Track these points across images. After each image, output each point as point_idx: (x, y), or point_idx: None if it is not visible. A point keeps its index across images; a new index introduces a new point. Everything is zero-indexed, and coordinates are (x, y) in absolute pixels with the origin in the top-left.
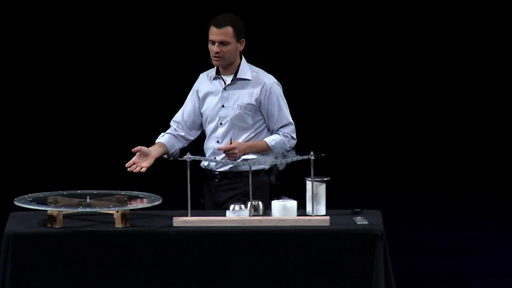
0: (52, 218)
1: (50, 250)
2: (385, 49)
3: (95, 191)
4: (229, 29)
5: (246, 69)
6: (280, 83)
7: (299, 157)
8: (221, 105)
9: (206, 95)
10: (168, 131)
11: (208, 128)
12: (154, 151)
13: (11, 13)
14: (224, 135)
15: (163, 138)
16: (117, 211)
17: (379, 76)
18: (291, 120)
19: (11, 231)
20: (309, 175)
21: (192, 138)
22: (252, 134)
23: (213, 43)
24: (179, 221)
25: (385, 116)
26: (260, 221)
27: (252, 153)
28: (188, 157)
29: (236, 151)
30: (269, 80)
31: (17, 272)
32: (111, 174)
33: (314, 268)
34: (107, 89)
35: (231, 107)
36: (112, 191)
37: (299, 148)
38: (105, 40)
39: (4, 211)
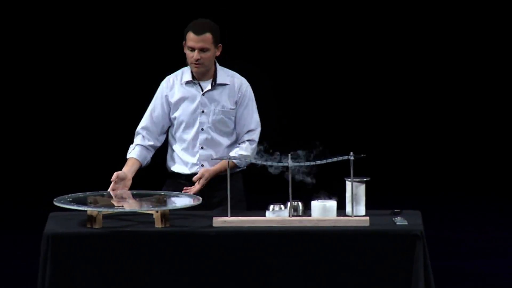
0: (91, 219)
1: (89, 250)
2: (428, 51)
3: (134, 191)
4: (208, 36)
5: (223, 74)
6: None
7: (338, 158)
8: (201, 110)
9: (180, 101)
10: (137, 142)
11: (185, 134)
12: (129, 172)
13: (11, 13)
14: (208, 141)
15: (134, 152)
16: (157, 211)
17: (418, 78)
18: (259, 122)
19: (51, 232)
20: (348, 176)
21: (159, 144)
22: (234, 138)
23: (193, 50)
24: (219, 221)
25: (424, 116)
26: (300, 221)
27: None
28: (227, 157)
29: (205, 178)
30: (244, 82)
31: (57, 273)
32: (149, 174)
33: (353, 268)
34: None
35: (212, 112)
36: (152, 191)
37: (338, 148)
38: (112, 40)
39: (43, 212)
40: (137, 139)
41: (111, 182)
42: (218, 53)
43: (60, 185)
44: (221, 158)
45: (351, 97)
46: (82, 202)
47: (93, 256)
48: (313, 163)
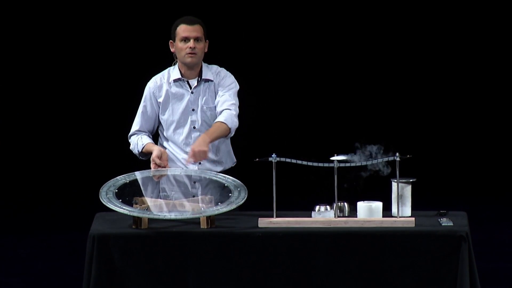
0: (137, 219)
1: (134, 251)
2: (476, 52)
3: (179, 171)
4: (200, 27)
5: (207, 69)
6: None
7: (385, 158)
8: (191, 109)
9: (169, 100)
10: (140, 135)
11: (176, 134)
12: (158, 147)
13: (10, 14)
14: None
15: (144, 139)
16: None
17: (465, 79)
18: (237, 101)
19: (96, 232)
20: (394, 177)
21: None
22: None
23: (187, 40)
24: (265, 222)
25: (472, 117)
26: (346, 222)
27: (214, 139)
28: (273, 158)
29: (198, 151)
30: (223, 69)
31: (102, 273)
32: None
33: (398, 269)
34: None
35: (202, 110)
36: (198, 172)
37: (384, 149)
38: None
39: (91, 211)
40: (134, 137)
41: (154, 163)
42: (206, 49)
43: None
44: (265, 160)
45: (398, 98)
46: (128, 194)
47: (138, 257)
48: (359, 164)
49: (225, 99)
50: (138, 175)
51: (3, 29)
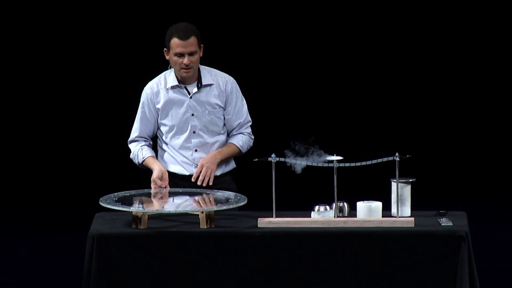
0: (137, 219)
1: (134, 251)
2: (476, 51)
3: (180, 190)
4: (194, 39)
5: (206, 74)
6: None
7: (384, 159)
8: (191, 114)
9: (167, 106)
10: (138, 145)
11: (176, 139)
12: (159, 166)
13: (11, 14)
14: (201, 143)
15: (146, 152)
16: (202, 212)
17: (466, 78)
18: (250, 119)
19: (96, 232)
20: (394, 176)
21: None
22: (224, 138)
23: (181, 55)
24: (264, 222)
25: (471, 117)
26: (345, 222)
27: (225, 158)
28: (273, 158)
29: (208, 169)
30: (229, 80)
31: (102, 273)
32: (137, 173)
33: (398, 269)
34: None
35: (202, 114)
36: (198, 190)
37: (384, 149)
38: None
39: (90, 212)
40: (135, 145)
41: (154, 184)
42: (201, 54)
43: (105, 184)
44: (265, 160)
45: (398, 98)
46: (128, 202)
47: (137, 257)
48: (358, 163)
49: (241, 119)
50: (138, 192)
51: (3, 30)
